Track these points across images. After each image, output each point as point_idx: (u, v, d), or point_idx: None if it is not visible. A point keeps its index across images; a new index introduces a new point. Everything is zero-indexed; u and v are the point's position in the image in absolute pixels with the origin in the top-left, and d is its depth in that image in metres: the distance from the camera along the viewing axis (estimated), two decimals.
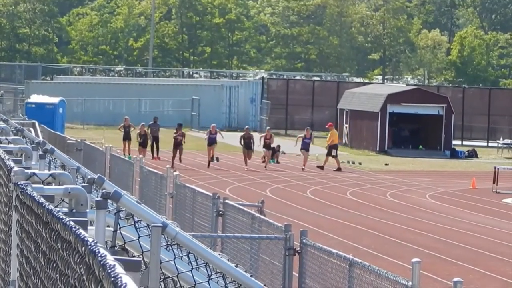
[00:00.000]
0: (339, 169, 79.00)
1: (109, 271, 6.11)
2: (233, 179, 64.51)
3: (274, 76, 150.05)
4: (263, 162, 75.47)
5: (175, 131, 77.08)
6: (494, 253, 44.48)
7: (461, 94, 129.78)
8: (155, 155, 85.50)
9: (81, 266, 7.11)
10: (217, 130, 77.75)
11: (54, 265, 8.50)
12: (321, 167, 77.79)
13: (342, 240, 40.47)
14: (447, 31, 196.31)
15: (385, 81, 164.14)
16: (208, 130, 79.72)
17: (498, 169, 73.45)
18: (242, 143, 74.93)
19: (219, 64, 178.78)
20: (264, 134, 78.80)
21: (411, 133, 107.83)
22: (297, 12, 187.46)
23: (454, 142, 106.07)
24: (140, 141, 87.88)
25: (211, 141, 74.12)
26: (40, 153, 17.83)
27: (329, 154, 79.75)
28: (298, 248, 23.24)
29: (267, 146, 76.44)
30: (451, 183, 69.66)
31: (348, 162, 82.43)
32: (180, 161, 70.79)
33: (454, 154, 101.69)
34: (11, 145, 19.35)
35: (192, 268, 11.91)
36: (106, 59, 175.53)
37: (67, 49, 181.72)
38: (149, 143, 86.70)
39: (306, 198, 61.27)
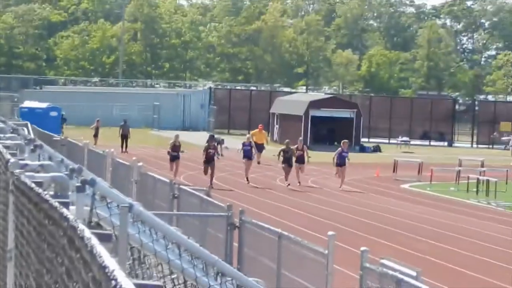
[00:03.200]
0: (258, 162, 78.39)
1: (86, 242, 6.13)
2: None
3: (219, 87, 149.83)
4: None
5: (206, 144, 61.07)
6: (396, 228, 44.50)
7: (368, 101, 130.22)
8: (123, 149, 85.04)
9: (64, 237, 7.12)
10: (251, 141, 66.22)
11: (43, 237, 8.51)
12: (258, 162, 77.36)
13: (274, 218, 40.31)
14: (358, 51, 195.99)
15: (308, 90, 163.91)
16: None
17: (397, 161, 73.69)
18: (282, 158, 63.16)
19: (175, 76, 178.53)
20: (296, 146, 66.90)
21: (328, 132, 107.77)
22: (238, 35, 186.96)
23: (362, 139, 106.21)
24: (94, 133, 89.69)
25: (246, 155, 62.60)
26: (31, 147, 17.81)
27: (260, 150, 79.36)
28: (238, 224, 23.21)
29: (299, 159, 64.17)
30: (360, 172, 69.52)
31: (274, 155, 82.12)
32: (211, 183, 54.88)
33: (362, 149, 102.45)
34: (8, 141, 19.32)
35: (153, 240, 11.93)
36: (85, 72, 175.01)
37: (53, 64, 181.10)
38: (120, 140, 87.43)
39: (246, 185, 61.22)
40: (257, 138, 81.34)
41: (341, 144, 63.88)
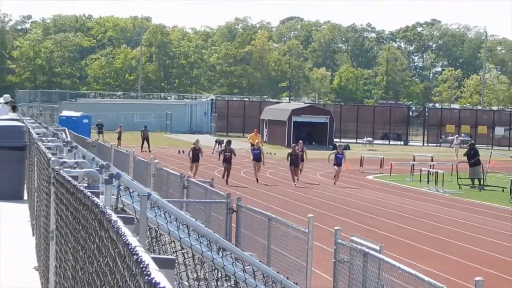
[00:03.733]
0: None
1: (113, 224, 6.09)
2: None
3: (219, 98, 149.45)
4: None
5: (224, 148, 59.87)
6: (361, 211, 44.33)
7: (339, 109, 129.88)
8: (144, 149, 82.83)
9: (95, 220, 7.09)
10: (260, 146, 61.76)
11: (78, 220, 8.48)
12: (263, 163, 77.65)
13: (264, 203, 40.17)
14: (330, 69, 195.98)
15: (290, 101, 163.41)
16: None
17: (363, 157, 73.72)
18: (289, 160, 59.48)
19: (184, 90, 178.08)
20: (297, 147, 64.12)
21: (307, 134, 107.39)
22: (233, 56, 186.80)
23: (335, 140, 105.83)
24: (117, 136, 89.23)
25: (255, 157, 58.67)
26: (68, 148, 17.74)
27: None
28: (235, 208, 23.16)
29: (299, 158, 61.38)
30: (333, 166, 69.32)
31: (269, 153, 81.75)
32: (227, 182, 53.79)
33: (335, 148, 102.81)
34: (50, 143, 19.26)
35: (167, 222, 11.87)
36: (110, 87, 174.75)
37: (85, 81, 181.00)
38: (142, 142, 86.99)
39: (241, 176, 61.19)
40: (253, 140, 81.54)
41: (337, 147, 63.14)
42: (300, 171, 59.33)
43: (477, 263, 29.71)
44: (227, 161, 55.18)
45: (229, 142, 60.41)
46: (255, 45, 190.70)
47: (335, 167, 59.07)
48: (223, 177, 54.53)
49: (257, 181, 56.49)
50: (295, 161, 57.61)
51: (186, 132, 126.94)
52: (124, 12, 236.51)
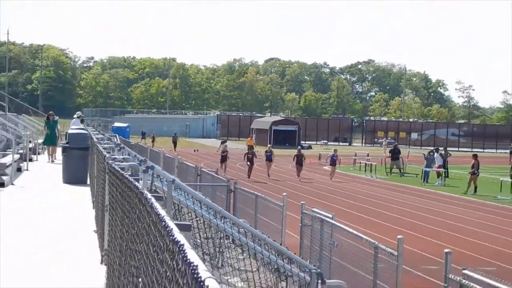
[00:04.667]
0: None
1: (148, 200, 6.04)
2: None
3: (222, 114, 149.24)
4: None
5: (247, 151, 55.36)
6: (322, 191, 44.22)
7: (304, 121, 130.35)
8: (175, 150, 79.61)
9: (136, 198, 7.05)
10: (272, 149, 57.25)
11: (124, 197, 8.44)
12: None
13: (274, 194, 39.90)
14: (299, 93, 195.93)
15: (271, 115, 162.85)
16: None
17: (320, 154, 73.59)
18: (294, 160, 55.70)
19: (198, 108, 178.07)
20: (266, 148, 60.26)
21: (283, 139, 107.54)
22: (232, 85, 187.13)
23: (302, 142, 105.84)
24: (152, 140, 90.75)
25: (268, 158, 54.34)
26: (118, 148, 17.69)
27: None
28: (233, 189, 23.11)
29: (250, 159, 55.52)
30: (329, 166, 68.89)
31: (257, 151, 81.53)
32: (249, 176, 51.26)
33: (302, 148, 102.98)
34: (105, 145, 19.24)
35: (186, 199, 11.80)
36: (148, 107, 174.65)
37: (130, 102, 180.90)
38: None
39: (236, 167, 60.92)
40: (249, 143, 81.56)
41: (333, 150, 57.34)
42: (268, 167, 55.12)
43: (400, 227, 29.67)
44: (251, 161, 51.89)
45: (251, 147, 57.31)
46: (247, 77, 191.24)
47: (330, 167, 55.54)
48: (248, 174, 51.44)
49: (269, 176, 52.89)
50: (300, 161, 54.19)
51: (199, 137, 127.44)
52: (157, 53, 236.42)
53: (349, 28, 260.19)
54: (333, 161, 55.11)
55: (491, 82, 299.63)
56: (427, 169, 54.11)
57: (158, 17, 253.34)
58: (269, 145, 62.30)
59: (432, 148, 69.06)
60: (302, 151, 57.29)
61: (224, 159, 54.10)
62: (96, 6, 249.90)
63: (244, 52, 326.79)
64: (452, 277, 11.35)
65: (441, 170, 53.35)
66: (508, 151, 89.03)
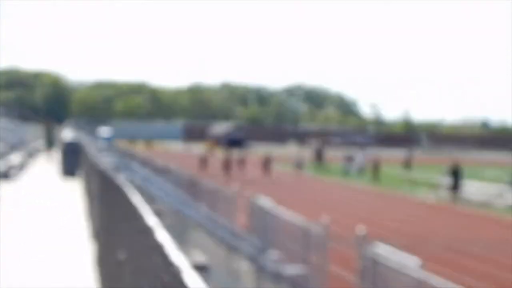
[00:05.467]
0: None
1: (124, 188, 5.89)
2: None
3: (187, 123, 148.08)
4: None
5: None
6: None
7: (257, 129, 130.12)
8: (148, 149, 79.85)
9: (116, 190, 6.90)
10: None
11: (110, 190, 8.28)
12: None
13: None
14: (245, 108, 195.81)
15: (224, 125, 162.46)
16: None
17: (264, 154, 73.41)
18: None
19: (167, 119, 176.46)
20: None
21: (234, 142, 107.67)
22: (194, 102, 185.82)
23: (249, 145, 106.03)
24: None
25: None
26: (104, 150, 17.39)
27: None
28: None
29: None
30: (250, 159, 68.70)
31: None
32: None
33: (249, 149, 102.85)
34: (95, 148, 18.91)
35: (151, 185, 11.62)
36: (127, 118, 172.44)
37: (115, 114, 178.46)
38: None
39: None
40: (208, 145, 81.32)
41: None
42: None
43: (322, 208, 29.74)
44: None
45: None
46: (205, 95, 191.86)
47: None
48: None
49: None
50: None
51: (168, 140, 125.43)
52: (133, 76, 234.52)
53: (283, 56, 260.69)
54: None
55: (394, 99, 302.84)
56: (347, 165, 55.42)
57: (132, 44, 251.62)
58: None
59: (350, 150, 69.73)
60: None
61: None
62: (85, 37, 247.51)
63: (201, 76, 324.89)
64: (366, 251, 11.26)
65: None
66: (407, 153, 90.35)
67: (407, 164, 56.56)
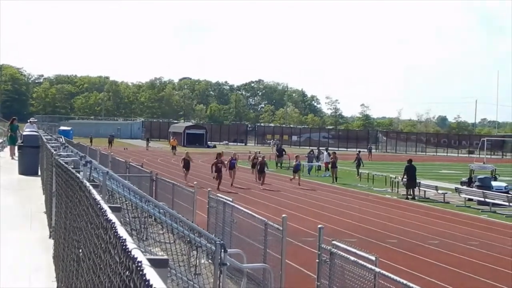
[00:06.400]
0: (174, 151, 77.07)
1: (86, 188, 5.90)
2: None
3: (146, 120, 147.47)
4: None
5: (215, 159, 39.63)
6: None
7: (210, 126, 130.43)
8: (110, 148, 76.88)
9: (77, 186, 6.89)
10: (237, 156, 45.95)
11: (68, 185, 8.27)
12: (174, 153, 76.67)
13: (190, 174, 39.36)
14: (206, 105, 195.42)
15: (184, 122, 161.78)
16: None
17: (223, 151, 73.31)
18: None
19: (127, 116, 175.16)
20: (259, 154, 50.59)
21: (194, 139, 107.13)
22: (154, 98, 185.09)
23: (208, 142, 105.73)
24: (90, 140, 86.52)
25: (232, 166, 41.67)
26: (63, 147, 17.34)
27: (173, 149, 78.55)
28: (155, 179, 22.81)
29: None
30: (210, 156, 68.68)
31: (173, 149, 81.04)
32: (218, 188, 36.06)
33: (208, 147, 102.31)
34: (53, 144, 18.85)
35: (117, 186, 11.58)
36: (87, 114, 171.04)
37: (73, 110, 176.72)
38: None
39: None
40: (173, 143, 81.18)
41: (295, 157, 45.37)
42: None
43: (285, 208, 29.78)
44: (219, 171, 38.56)
45: (219, 155, 40.19)
46: (165, 92, 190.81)
47: (295, 174, 44.86)
48: (218, 186, 36.81)
49: (232, 184, 40.21)
50: (261, 168, 43.60)
51: (128, 138, 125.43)
52: (94, 72, 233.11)
53: (244, 53, 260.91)
54: (297, 167, 45.28)
55: (352, 96, 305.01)
56: (310, 164, 55.53)
57: (94, 40, 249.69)
58: (234, 152, 48.38)
59: (310, 148, 70.17)
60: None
61: (187, 166, 41.16)
62: (45, 30, 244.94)
63: (162, 71, 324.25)
64: (324, 246, 11.43)
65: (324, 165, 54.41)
66: (366, 150, 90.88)
67: (362, 162, 56.96)
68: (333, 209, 31.19)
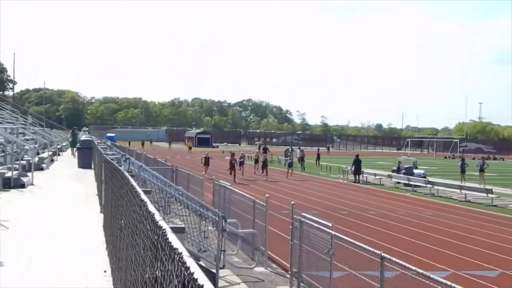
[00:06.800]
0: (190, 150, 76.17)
1: (126, 177, 5.87)
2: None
3: (168, 128, 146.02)
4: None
5: (230, 157, 36.52)
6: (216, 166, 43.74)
7: (214, 133, 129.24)
8: (143, 148, 77.91)
9: (119, 175, 6.86)
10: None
11: (113, 175, 8.21)
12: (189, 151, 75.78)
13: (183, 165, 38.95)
14: (210, 117, 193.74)
15: (195, 129, 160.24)
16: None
17: (223, 150, 71.76)
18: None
19: (155, 125, 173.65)
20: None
21: (203, 142, 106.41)
22: (174, 112, 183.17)
23: (213, 143, 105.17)
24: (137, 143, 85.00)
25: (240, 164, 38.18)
26: (109, 148, 17.23)
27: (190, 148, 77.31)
28: (175, 170, 22.60)
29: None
30: (213, 154, 67.74)
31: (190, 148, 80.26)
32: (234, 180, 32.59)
33: (214, 147, 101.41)
34: (102, 146, 18.74)
35: (148, 176, 11.52)
36: (126, 124, 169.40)
37: (116, 122, 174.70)
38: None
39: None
40: (189, 145, 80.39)
41: (288, 153, 39.19)
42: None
43: (269, 190, 29.69)
44: (233, 166, 34.91)
45: (232, 154, 36.84)
46: (182, 108, 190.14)
47: (289, 168, 40.79)
48: (234, 179, 32.94)
49: (234, 180, 32.86)
50: (291, 163, 40.52)
51: (156, 141, 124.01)
52: (131, 93, 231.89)
53: (238, 78, 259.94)
54: (290, 163, 41.51)
55: (316, 110, 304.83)
56: (286, 158, 55.10)
57: (130, 69, 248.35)
58: (242, 150, 42.52)
59: (287, 147, 70.06)
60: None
61: (207, 163, 36.60)
62: (95, 62, 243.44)
63: (179, 93, 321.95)
64: (296, 217, 11.45)
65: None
66: (325, 148, 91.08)
67: (320, 157, 57.12)
68: (302, 190, 31.18)
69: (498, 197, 28.30)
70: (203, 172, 28.12)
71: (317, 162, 51.75)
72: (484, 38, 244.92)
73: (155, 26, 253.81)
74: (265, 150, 62.04)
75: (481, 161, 39.27)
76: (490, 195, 27.25)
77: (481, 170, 37.66)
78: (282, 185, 34.34)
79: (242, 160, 39.83)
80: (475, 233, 18.60)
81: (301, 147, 64.66)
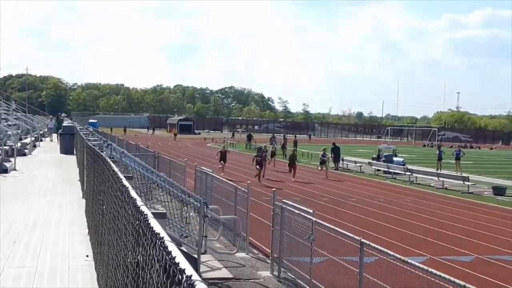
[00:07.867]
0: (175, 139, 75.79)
1: (108, 162, 5.82)
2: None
3: (150, 115, 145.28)
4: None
5: (256, 153, 29.94)
6: (208, 157, 43.65)
7: (196, 119, 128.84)
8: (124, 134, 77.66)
9: (101, 161, 6.81)
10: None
11: (95, 160, 8.15)
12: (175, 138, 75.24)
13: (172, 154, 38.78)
14: (192, 104, 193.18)
15: (178, 116, 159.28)
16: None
17: (206, 137, 72.37)
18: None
19: (137, 112, 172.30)
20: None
21: (185, 128, 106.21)
22: (156, 99, 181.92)
23: (195, 130, 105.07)
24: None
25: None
26: (91, 134, 17.09)
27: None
28: (157, 156, 22.41)
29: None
30: (196, 141, 68.05)
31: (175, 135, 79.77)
32: (263, 176, 28.76)
33: (196, 134, 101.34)
34: (84, 132, 18.58)
35: (130, 162, 11.44)
36: (108, 111, 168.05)
37: (98, 108, 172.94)
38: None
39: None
40: (173, 132, 79.89)
41: (322, 149, 35.37)
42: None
43: (250, 177, 29.66)
44: (260, 164, 28.52)
45: (260, 149, 30.62)
46: (164, 95, 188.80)
47: (321, 165, 35.19)
48: (258, 177, 28.04)
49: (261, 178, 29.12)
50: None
51: (138, 127, 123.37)
52: (113, 80, 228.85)
53: (220, 65, 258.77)
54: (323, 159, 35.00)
55: (297, 98, 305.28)
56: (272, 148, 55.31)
57: (113, 56, 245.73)
58: (264, 144, 37.61)
59: (268, 134, 70.21)
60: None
61: (223, 158, 30.91)
62: (80, 50, 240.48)
63: (162, 79, 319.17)
64: (277, 203, 11.48)
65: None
66: (307, 136, 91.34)
67: (297, 144, 57.23)
68: (284, 177, 31.22)
69: (474, 184, 28.65)
70: (220, 171, 25.10)
71: (295, 149, 51.35)
72: (462, 30, 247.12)
73: (138, 12, 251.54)
74: (249, 138, 62.08)
75: (457, 149, 39.64)
76: (466, 183, 27.60)
77: (457, 158, 38.05)
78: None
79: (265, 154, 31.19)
80: (452, 220, 18.85)
81: (284, 135, 64.79)
